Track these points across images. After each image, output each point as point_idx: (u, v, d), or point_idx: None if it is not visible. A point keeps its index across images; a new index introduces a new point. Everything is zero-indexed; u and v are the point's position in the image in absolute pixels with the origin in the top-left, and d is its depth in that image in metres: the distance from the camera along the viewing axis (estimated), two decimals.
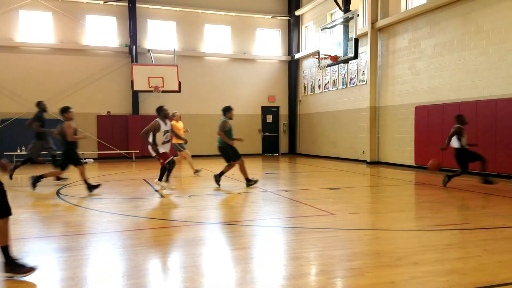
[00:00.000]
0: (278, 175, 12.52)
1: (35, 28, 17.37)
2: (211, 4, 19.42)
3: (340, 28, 13.50)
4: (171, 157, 8.67)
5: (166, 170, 8.65)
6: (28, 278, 3.61)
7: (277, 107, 21.10)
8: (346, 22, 13.27)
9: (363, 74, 15.53)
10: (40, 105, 10.55)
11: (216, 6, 19.49)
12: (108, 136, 17.85)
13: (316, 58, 14.72)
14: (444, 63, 12.12)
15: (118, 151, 17.99)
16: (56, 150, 10.50)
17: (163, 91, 16.89)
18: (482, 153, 9.00)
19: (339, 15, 14.90)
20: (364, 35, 15.15)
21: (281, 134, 21.31)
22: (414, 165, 13.21)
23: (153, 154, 8.52)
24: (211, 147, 19.01)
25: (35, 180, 8.83)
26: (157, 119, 8.49)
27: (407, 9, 13.74)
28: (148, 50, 18.32)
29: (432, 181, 9.98)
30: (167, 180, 8.69)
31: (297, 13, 20.21)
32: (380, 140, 15.00)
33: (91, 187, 8.49)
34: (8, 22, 16.90)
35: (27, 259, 3.85)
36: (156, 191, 8.67)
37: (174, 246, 4.68)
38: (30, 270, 3.66)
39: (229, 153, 9.21)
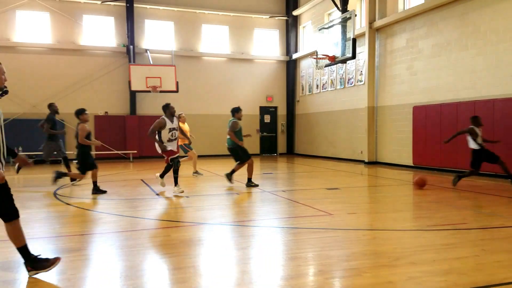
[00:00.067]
0: (276, 175, 12.52)
1: (33, 28, 17.31)
2: (209, 4, 19.41)
3: (338, 28, 13.52)
4: (176, 155, 8.50)
5: (170, 168, 8.56)
6: (27, 278, 3.60)
7: (275, 107, 21.09)
8: (344, 22, 13.31)
9: (361, 74, 15.55)
10: (51, 107, 10.65)
11: (214, 6, 19.48)
12: (105, 136, 17.77)
13: (314, 58, 14.72)
14: (442, 63, 12.13)
15: (116, 152, 17.95)
16: (65, 152, 10.78)
17: (160, 91, 16.87)
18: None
19: (337, 15, 14.91)
20: (362, 35, 15.17)
21: (279, 134, 21.30)
22: (412, 165, 13.23)
23: (160, 151, 8.34)
24: (210, 147, 19.13)
25: (58, 176, 9.23)
26: (162, 116, 8.33)
27: (405, 9, 13.76)
28: (146, 50, 18.30)
29: (431, 181, 9.98)
30: (175, 184, 8.40)
31: (295, 13, 20.22)
32: (378, 140, 15.01)
33: (97, 190, 8.45)
34: (5, 22, 16.85)
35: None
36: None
37: (172, 246, 4.67)
38: (55, 260, 3.67)
39: (239, 154, 9.36)
